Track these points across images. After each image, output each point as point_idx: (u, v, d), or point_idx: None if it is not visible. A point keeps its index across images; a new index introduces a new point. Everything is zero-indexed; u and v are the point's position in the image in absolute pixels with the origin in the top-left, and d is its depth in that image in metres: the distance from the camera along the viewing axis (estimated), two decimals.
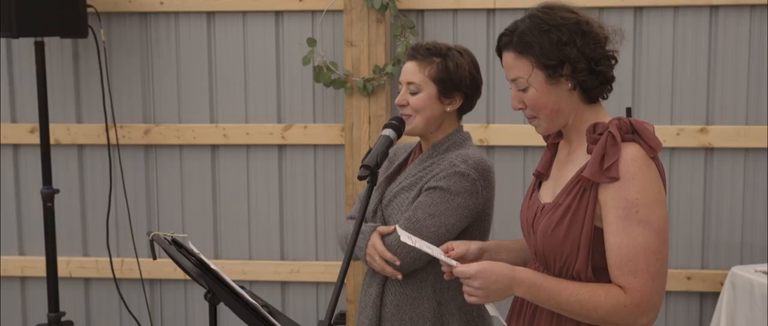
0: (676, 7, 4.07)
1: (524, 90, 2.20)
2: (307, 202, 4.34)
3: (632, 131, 2.14)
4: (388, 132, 2.57)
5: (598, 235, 2.16)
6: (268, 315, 2.25)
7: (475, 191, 2.67)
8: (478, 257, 2.46)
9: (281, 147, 4.34)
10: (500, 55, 2.26)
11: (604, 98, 2.23)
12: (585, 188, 2.16)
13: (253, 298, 2.31)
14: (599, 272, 2.18)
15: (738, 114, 4.09)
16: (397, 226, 2.41)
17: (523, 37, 2.17)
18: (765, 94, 4.07)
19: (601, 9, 4.10)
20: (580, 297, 2.13)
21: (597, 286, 2.13)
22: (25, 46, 4.38)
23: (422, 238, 2.63)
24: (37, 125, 4.38)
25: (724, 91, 4.09)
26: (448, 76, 2.70)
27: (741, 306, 3.76)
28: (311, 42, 4.11)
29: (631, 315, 2.10)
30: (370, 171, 2.40)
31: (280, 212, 4.37)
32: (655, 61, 4.10)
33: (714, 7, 4.05)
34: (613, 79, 2.22)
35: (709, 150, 4.13)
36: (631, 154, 2.10)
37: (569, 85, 2.18)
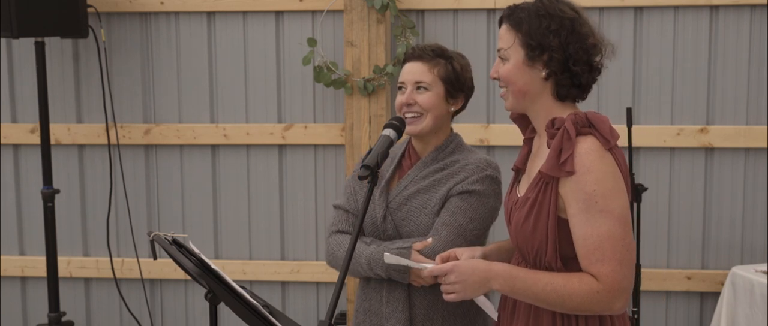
0: (676, 7, 4.07)
1: (504, 61, 2.30)
2: (307, 202, 4.34)
3: (588, 125, 2.21)
4: (389, 132, 2.56)
5: (563, 226, 2.24)
6: (268, 315, 2.25)
7: (499, 193, 2.74)
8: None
9: (281, 147, 4.34)
10: (500, 25, 2.37)
11: (577, 101, 2.31)
12: (547, 182, 2.24)
13: (253, 298, 2.31)
14: (570, 262, 2.26)
15: (738, 114, 4.09)
16: (385, 254, 2.45)
17: (519, 14, 2.28)
18: (765, 94, 4.07)
19: (601, 9, 4.10)
20: (556, 287, 2.20)
21: (571, 275, 2.20)
22: (25, 46, 4.38)
23: (466, 241, 2.66)
24: (38, 125, 4.38)
25: (724, 91, 4.09)
26: (456, 76, 2.72)
27: (741, 306, 3.76)
28: (311, 42, 4.11)
29: (605, 300, 2.17)
30: (370, 172, 2.40)
31: (280, 212, 4.37)
32: (655, 61, 4.10)
33: (714, 7, 4.05)
34: (588, 86, 2.29)
35: (709, 150, 4.13)
36: (586, 147, 2.17)
37: (543, 73, 2.26)
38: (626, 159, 2.26)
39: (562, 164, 2.18)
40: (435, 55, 2.73)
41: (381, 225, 2.74)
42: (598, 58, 2.29)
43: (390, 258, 2.42)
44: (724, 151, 4.12)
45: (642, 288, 4.17)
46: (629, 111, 3.79)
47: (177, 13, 4.32)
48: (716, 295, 4.18)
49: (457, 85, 2.73)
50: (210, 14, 4.30)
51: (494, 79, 2.34)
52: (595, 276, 2.17)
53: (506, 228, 4.26)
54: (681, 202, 4.17)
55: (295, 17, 4.25)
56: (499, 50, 2.32)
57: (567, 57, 2.24)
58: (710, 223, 4.17)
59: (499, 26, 2.36)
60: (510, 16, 2.30)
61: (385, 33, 4.10)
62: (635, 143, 4.11)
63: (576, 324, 2.28)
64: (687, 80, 4.10)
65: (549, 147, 2.24)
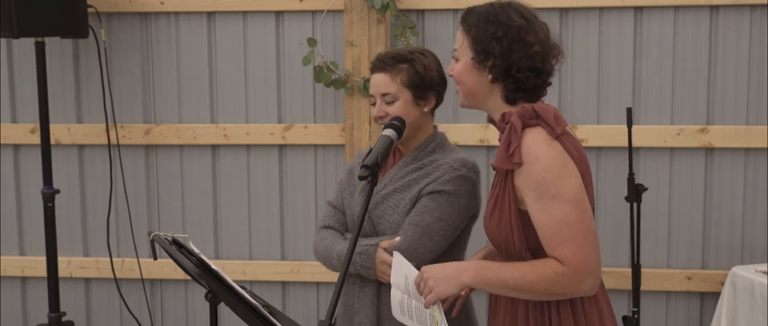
0: (676, 7, 4.07)
1: (456, 60, 2.42)
2: (307, 202, 4.35)
3: (535, 116, 2.30)
4: (389, 132, 2.59)
5: (526, 218, 2.32)
6: (268, 315, 2.25)
7: (474, 192, 2.77)
8: None
9: (282, 147, 4.34)
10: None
11: (517, 104, 2.39)
12: (504, 176, 2.33)
13: (253, 298, 2.31)
14: (538, 252, 2.34)
15: (738, 114, 4.09)
16: (395, 253, 2.50)
17: (470, 17, 2.39)
18: (765, 94, 4.07)
19: (601, 9, 4.10)
20: (523, 272, 2.27)
21: (537, 261, 2.28)
22: (25, 46, 4.38)
23: (432, 241, 2.70)
24: (38, 125, 4.38)
25: (724, 91, 4.09)
26: (420, 79, 2.76)
27: (741, 306, 3.76)
28: (311, 42, 4.11)
29: (570, 282, 2.24)
30: (371, 172, 2.42)
31: (280, 212, 4.37)
32: (655, 61, 4.10)
33: (714, 7, 4.05)
34: (535, 90, 2.37)
35: (709, 150, 4.13)
36: (532, 137, 2.26)
37: (490, 77, 2.36)
38: (579, 145, 2.36)
39: (510, 156, 2.27)
40: (396, 62, 2.77)
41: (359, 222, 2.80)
42: (547, 64, 2.37)
43: (398, 262, 2.48)
44: (724, 151, 4.12)
45: (642, 288, 4.17)
46: (629, 111, 3.79)
47: (177, 13, 4.32)
48: (716, 295, 4.18)
49: (423, 86, 2.76)
50: (210, 14, 4.30)
51: (449, 76, 2.47)
52: (558, 259, 2.24)
53: None
54: (681, 202, 4.17)
55: (295, 17, 4.25)
56: (454, 49, 2.43)
57: (510, 64, 2.33)
58: (710, 223, 4.17)
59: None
60: (464, 18, 2.41)
61: (385, 33, 4.10)
62: (635, 143, 4.11)
63: (548, 312, 2.35)
64: (687, 80, 4.10)
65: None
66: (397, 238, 2.71)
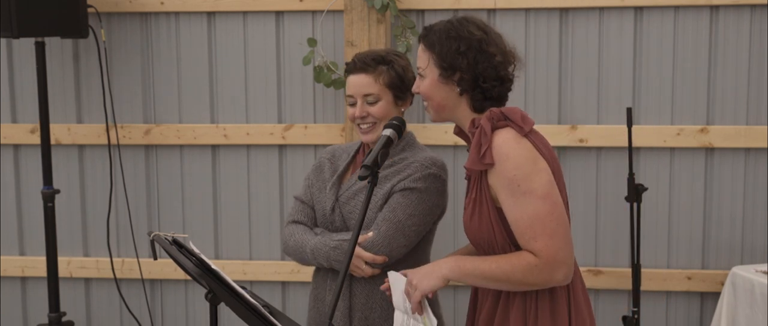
0: (676, 7, 4.07)
1: (422, 78, 2.53)
2: None
3: (503, 118, 2.41)
4: (389, 132, 2.62)
5: (503, 215, 2.43)
6: (268, 315, 2.25)
7: (443, 191, 2.86)
8: None
9: (282, 147, 4.34)
10: (419, 42, 2.57)
11: (485, 112, 2.49)
12: (479, 178, 2.44)
13: (253, 298, 2.31)
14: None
15: (738, 114, 4.09)
16: (389, 273, 2.58)
17: (431, 36, 2.50)
18: (765, 94, 4.07)
19: (601, 9, 4.10)
20: (500, 264, 2.38)
21: (512, 254, 2.40)
22: (25, 46, 4.38)
23: (405, 236, 2.79)
24: (38, 125, 4.38)
25: (724, 91, 4.09)
26: (400, 80, 2.85)
27: (741, 306, 3.76)
28: (312, 42, 4.11)
29: (544, 272, 2.35)
30: (370, 172, 2.45)
31: (280, 212, 4.37)
32: (655, 61, 4.10)
33: (714, 7, 4.05)
34: (501, 97, 2.51)
35: (709, 150, 4.13)
36: (501, 138, 2.38)
37: (458, 89, 2.48)
38: (548, 144, 2.48)
39: (481, 157, 2.38)
40: (376, 63, 2.84)
41: (330, 217, 2.90)
42: (508, 71, 2.50)
43: (396, 281, 2.55)
44: (724, 151, 4.12)
45: (642, 288, 4.17)
46: (629, 111, 3.79)
47: (177, 13, 4.32)
48: (716, 295, 4.18)
49: (403, 87, 2.86)
50: (210, 14, 4.30)
51: (416, 93, 2.58)
52: (532, 252, 2.36)
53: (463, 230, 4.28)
54: (681, 202, 4.17)
55: (295, 17, 4.25)
56: (418, 68, 2.53)
57: (476, 75, 2.46)
58: (710, 223, 4.17)
59: (419, 43, 2.56)
60: (425, 37, 2.52)
61: (385, 33, 4.10)
62: (635, 143, 4.11)
63: (529, 300, 2.46)
64: (687, 80, 4.10)
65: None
66: (370, 233, 2.78)
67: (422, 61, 2.52)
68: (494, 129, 2.40)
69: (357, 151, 3.01)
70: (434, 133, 4.19)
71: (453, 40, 2.46)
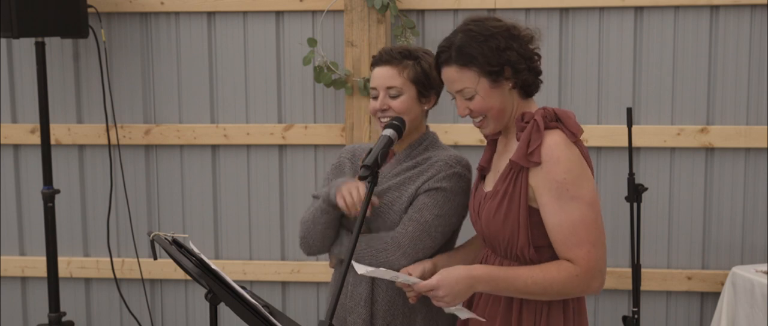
0: (676, 7, 4.07)
1: (470, 98, 2.41)
2: (307, 202, 4.34)
3: (556, 119, 2.36)
4: (389, 132, 2.59)
5: (534, 215, 2.38)
6: (268, 315, 2.25)
7: (468, 190, 2.78)
8: (433, 272, 2.64)
9: (282, 147, 4.34)
10: (439, 71, 2.46)
11: (537, 91, 2.47)
12: (517, 173, 2.38)
13: (253, 298, 2.31)
14: (541, 250, 2.41)
15: (738, 114, 4.09)
16: (354, 263, 2.51)
17: (463, 50, 2.38)
18: (765, 94, 4.07)
19: (601, 9, 4.10)
20: (536, 279, 2.33)
21: (548, 265, 2.34)
22: (25, 46, 4.38)
23: (431, 237, 2.70)
24: (38, 125, 4.38)
25: (724, 90, 4.09)
26: (425, 76, 2.76)
27: (742, 306, 3.76)
28: (312, 42, 4.11)
29: (583, 282, 2.32)
30: (370, 172, 2.42)
31: (280, 212, 4.37)
32: (655, 61, 4.10)
33: (714, 7, 4.05)
34: (539, 74, 2.46)
35: (709, 150, 4.13)
36: (553, 139, 2.32)
37: (510, 84, 2.41)
38: (587, 152, 2.44)
39: (529, 154, 2.33)
40: (402, 57, 2.76)
41: (354, 219, 2.80)
42: (536, 46, 2.45)
43: (361, 268, 2.42)
44: (724, 151, 4.12)
45: (642, 288, 4.17)
46: (629, 111, 3.79)
47: (177, 13, 4.32)
48: (716, 295, 4.18)
49: (427, 84, 2.76)
50: (210, 14, 4.30)
51: (464, 116, 2.45)
52: (571, 260, 2.31)
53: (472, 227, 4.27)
54: (681, 202, 4.17)
55: (296, 17, 4.25)
56: (460, 91, 2.41)
57: (526, 60, 2.40)
58: (710, 223, 4.17)
59: (437, 70, 2.47)
60: (453, 57, 2.39)
61: (385, 33, 4.10)
62: (635, 143, 4.11)
63: (539, 306, 2.41)
64: (687, 80, 4.10)
65: (518, 140, 2.39)
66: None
67: (465, 81, 2.40)
68: (545, 128, 2.35)
69: None
70: (458, 134, 4.18)
71: (488, 41, 2.37)
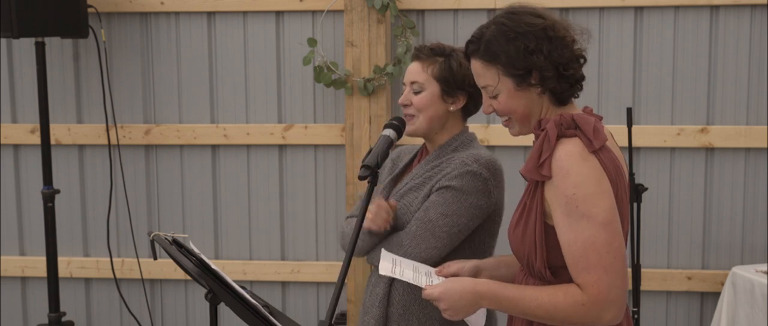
0: (676, 7, 4.07)
1: (494, 96, 2.22)
2: (307, 202, 4.34)
3: (573, 126, 2.11)
4: (389, 132, 2.55)
5: (551, 233, 2.16)
6: (268, 315, 2.25)
7: (486, 190, 2.64)
8: (473, 274, 2.44)
9: (282, 147, 4.34)
10: (469, 60, 2.27)
11: (576, 97, 2.24)
12: (535, 187, 2.16)
13: (253, 298, 2.31)
14: (559, 271, 2.18)
15: (738, 114, 4.09)
16: (383, 250, 2.45)
17: (489, 46, 2.18)
18: (765, 94, 4.07)
19: (601, 9, 4.10)
20: (541, 302, 2.12)
21: (557, 288, 2.12)
22: (25, 46, 4.38)
23: (434, 237, 2.62)
24: (38, 125, 4.38)
25: (724, 90, 4.09)
26: (451, 74, 2.68)
27: (742, 306, 3.76)
28: (312, 42, 4.10)
29: (591, 312, 2.07)
30: (370, 172, 2.40)
31: (280, 212, 4.37)
32: (655, 61, 4.10)
33: (714, 7, 4.05)
34: (582, 78, 2.22)
35: (709, 150, 4.13)
36: (566, 149, 2.08)
37: (539, 90, 2.18)
38: (619, 161, 2.20)
39: (539, 166, 2.11)
40: (433, 53, 2.70)
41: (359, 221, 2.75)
42: (581, 47, 2.22)
43: (387, 264, 2.39)
44: (724, 151, 4.12)
45: (642, 288, 4.17)
46: (629, 111, 3.79)
47: (177, 13, 4.32)
48: (716, 295, 4.18)
49: (454, 83, 2.68)
50: (210, 14, 4.30)
51: (488, 113, 2.27)
52: (580, 285, 2.08)
53: (502, 232, 4.26)
54: (681, 202, 4.17)
55: (296, 17, 4.25)
56: (484, 88, 2.23)
57: (557, 66, 2.16)
58: (710, 223, 4.17)
59: (467, 59, 2.27)
60: (480, 51, 2.21)
61: (385, 33, 4.10)
62: (635, 143, 4.11)
63: None
64: (687, 80, 4.10)
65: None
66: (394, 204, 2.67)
67: (488, 78, 2.20)
68: (560, 137, 2.10)
69: (417, 153, 2.85)
70: (499, 134, 4.19)
71: (515, 41, 2.15)
